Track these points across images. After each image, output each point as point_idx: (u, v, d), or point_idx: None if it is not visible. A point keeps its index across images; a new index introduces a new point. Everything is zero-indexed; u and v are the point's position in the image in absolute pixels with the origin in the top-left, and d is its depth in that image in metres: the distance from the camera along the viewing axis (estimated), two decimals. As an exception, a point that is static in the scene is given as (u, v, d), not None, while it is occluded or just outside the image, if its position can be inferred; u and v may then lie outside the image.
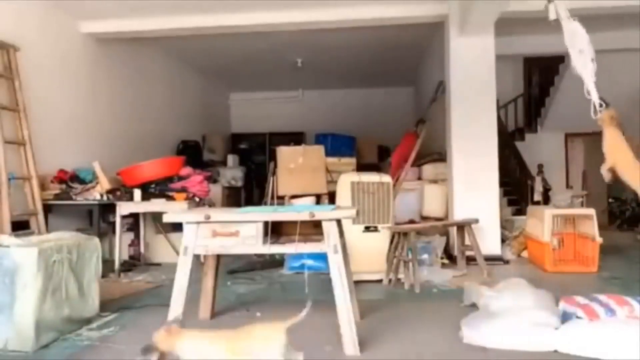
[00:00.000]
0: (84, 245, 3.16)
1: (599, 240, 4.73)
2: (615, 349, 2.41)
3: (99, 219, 5.02)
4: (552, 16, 2.97)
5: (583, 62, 2.82)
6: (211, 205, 5.93)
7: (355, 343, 2.56)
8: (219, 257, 3.34)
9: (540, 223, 4.96)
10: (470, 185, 5.43)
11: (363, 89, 11.01)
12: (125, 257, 5.47)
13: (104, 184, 5.07)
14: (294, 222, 2.69)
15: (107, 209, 5.14)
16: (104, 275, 4.15)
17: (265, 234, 2.69)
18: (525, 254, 5.64)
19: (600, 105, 2.84)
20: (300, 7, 5.59)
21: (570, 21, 2.88)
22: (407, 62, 9.02)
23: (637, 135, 9.39)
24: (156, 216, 5.52)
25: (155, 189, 5.27)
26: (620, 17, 6.00)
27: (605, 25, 6.52)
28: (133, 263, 5.44)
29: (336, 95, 11.17)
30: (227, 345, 2.04)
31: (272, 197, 6.40)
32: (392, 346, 2.70)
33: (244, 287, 4.32)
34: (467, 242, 4.83)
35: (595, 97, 2.84)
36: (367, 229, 4.40)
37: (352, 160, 7.48)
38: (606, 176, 2.83)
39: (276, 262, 5.23)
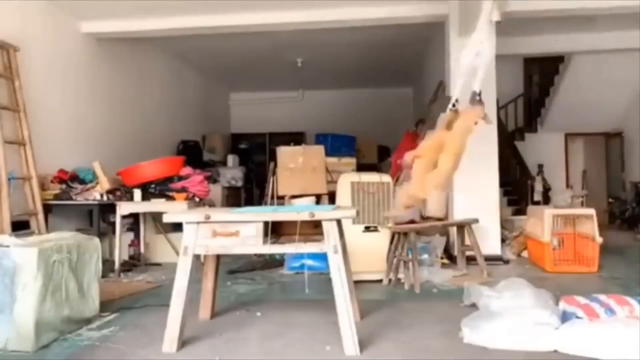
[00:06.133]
0: (84, 245, 3.16)
1: (599, 240, 4.73)
2: (615, 349, 2.41)
3: (99, 219, 5.02)
4: (494, 18, 3.01)
5: (470, 67, 2.87)
6: (211, 205, 5.93)
7: (355, 343, 2.56)
8: (218, 258, 3.34)
9: (540, 223, 4.96)
10: (470, 185, 5.43)
11: (363, 89, 11.01)
12: (125, 257, 5.46)
13: (104, 184, 5.07)
14: (294, 222, 2.69)
15: (107, 209, 5.14)
16: (104, 275, 4.15)
17: (265, 234, 2.69)
18: (525, 254, 5.64)
19: (454, 106, 2.90)
20: (300, 7, 5.59)
21: (490, 31, 2.93)
22: (407, 62, 9.02)
23: (637, 135, 9.39)
24: (156, 216, 5.52)
25: (155, 189, 5.27)
26: (620, 17, 6.00)
27: (605, 25, 6.53)
28: (133, 263, 5.44)
29: (336, 95, 11.17)
30: None
31: (272, 197, 6.40)
32: (392, 346, 2.70)
33: (244, 287, 4.32)
34: (467, 242, 4.83)
35: (454, 97, 2.90)
36: (367, 229, 4.39)
37: (352, 160, 7.49)
38: (408, 160, 2.91)
39: (276, 262, 5.23)
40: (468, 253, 4.90)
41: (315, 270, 4.55)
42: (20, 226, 4.47)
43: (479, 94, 2.85)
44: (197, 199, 5.38)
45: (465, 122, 2.83)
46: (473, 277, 4.49)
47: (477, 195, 5.39)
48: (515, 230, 6.00)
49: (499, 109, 7.47)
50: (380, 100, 11.02)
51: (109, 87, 6.55)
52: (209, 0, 5.40)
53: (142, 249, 5.64)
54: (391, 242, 4.42)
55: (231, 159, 9.28)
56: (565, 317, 2.73)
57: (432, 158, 2.86)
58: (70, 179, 5.14)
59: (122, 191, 5.15)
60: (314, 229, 2.92)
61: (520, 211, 7.22)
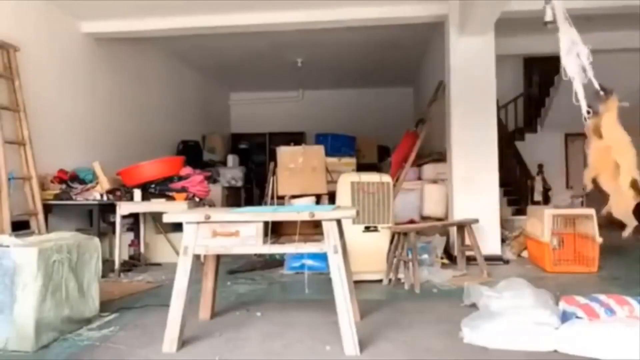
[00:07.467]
0: (84, 245, 3.16)
1: (599, 240, 4.73)
2: (615, 349, 2.41)
3: (99, 219, 5.02)
4: (547, 18, 2.98)
5: (578, 69, 2.83)
6: (211, 205, 5.93)
7: (355, 343, 2.56)
8: (218, 257, 3.34)
9: (540, 223, 4.96)
10: (470, 185, 5.43)
11: (363, 89, 11.02)
12: (125, 257, 5.46)
13: (104, 184, 5.08)
14: (294, 222, 2.69)
15: (107, 209, 5.14)
16: (104, 275, 4.16)
17: (265, 234, 2.69)
18: (525, 254, 5.64)
19: (588, 112, 2.86)
20: (300, 7, 5.60)
21: (569, 27, 2.88)
22: (407, 62, 9.02)
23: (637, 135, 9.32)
24: (156, 216, 5.52)
25: (155, 189, 5.27)
26: (620, 17, 5.99)
27: (605, 25, 6.52)
28: (133, 263, 5.44)
29: (336, 95, 11.18)
30: None
31: (272, 197, 6.40)
32: (392, 346, 2.70)
33: (244, 287, 4.32)
34: (467, 242, 4.83)
35: (583, 105, 2.86)
36: (367, 229, 4.39)
37: (352, 160, 7.50)
38: (588, 185, 2.88)
39: (276, 262, 5.23)
40: (468, 253, 4.90)
41: (315, 270, 4.56)
42: (20, 226, 4.47)
43: (602, 89, 2.83)
44: (197, 199, 5.38)
45: (610, 120, 2.81)
46: (473, 277, 4.49)
47: (477, 195, 5.39)
48: (515, 230, 6.00)
49: (499, 108, 7.47)
50: (380, 100, 11.02)
51: (109, 87, 6.55)
52: (209, 0, 5.41)
53: (142, 249, 5.63)
54: (391, 242, 4.42)
55: (231, 159, 9.29)
56: (565, 317, 2.73)
57: (612, 168, 2.83)
58: (70, 179, 5.14)
59: (122, 191, 5.15)
60: (314, 229, 2.92)
61: (520, 211, 7.21)
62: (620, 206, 2.87)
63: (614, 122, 2.82)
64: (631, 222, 2.98)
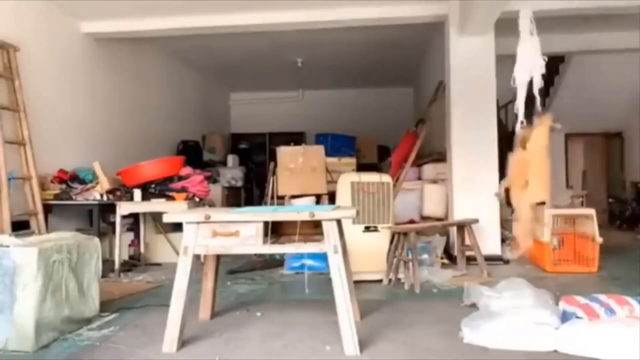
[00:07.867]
0: (84, 245, 3.16)
1: (599, 240, 4.73)
2: (615, 349, 2.41)
3: (99, 219, 5.02)
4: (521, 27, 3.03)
5: (526, 80, 2.89)
6: (211, 205, 5.93)
7: (355, 343, 2.56)
8: (218, 258, 3.34)
9: (541, 223, 4.96)
10: (470, 185, 5.43)
11: (363, 89, 11.02)
12: (125, 257, 5.47)
13: (104, 184, 5.08)
14: (294, 222, 2.69)
15: (107, 209, 5.14)
16: (104, 275, 4.16)
17: (265, 234, 2.69)
18: (525, 253, 5.63)
19: (522, 123, 2.92)
20: (300, 7, 5.60)
21: (531, 36, 2.93)
22: (407, 62, 9.02)
23: (637, 135, 9.39)
24: (156, 216, 5.53)
25: (155, 189, 5.27)
26: (619, 17, 6.00)
27: (605, 25, 6.53)
28: (133, 263, 5.44)
29: (336, 95, 11.17)
30: None
31: (272, 197, 6.40)
32: (392, 346, 2.70)
33: (244, 287, 4.32)
34: (467, 242, 4.83)
35: (520, 114, 2.91)
36: (367, 229, 4.39)
37: (352, 160, 7.50)
38: (502, 194, 2.97)
39: (276, 262, 5.23)
40: (468, 253, 4.90)
41: (315, 270, 4.56)
42: (20, 226, 4.47)
43: (522, 122, 2.90)
44: (197, 199, 5.38)
45: (539, 135, 2.86)
46: (473, 277, 4.49)
47: (477, 195, 5.39)
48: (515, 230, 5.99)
49: (499, 108, 7.47)
50: (380, 100, 11.02)
51: (109, 87, 6.55)
52: (209, 0, 5.41)
53: (142, 249, 5.64)
54: (391, 242, 4.42)
55: (231, 159, 9.29)
56: (565, 317, 2.73)
57: (523, 182, 2.89)
58: (70, 179, 5.14)
59: (122, 191, 5.15)
60: (314, 229, 2.92)
61: (521, 211, 7.20)
62: (520, 223, 2.94)
63: (542, 138, 2.88)
64: (524, 242, 3.06)
